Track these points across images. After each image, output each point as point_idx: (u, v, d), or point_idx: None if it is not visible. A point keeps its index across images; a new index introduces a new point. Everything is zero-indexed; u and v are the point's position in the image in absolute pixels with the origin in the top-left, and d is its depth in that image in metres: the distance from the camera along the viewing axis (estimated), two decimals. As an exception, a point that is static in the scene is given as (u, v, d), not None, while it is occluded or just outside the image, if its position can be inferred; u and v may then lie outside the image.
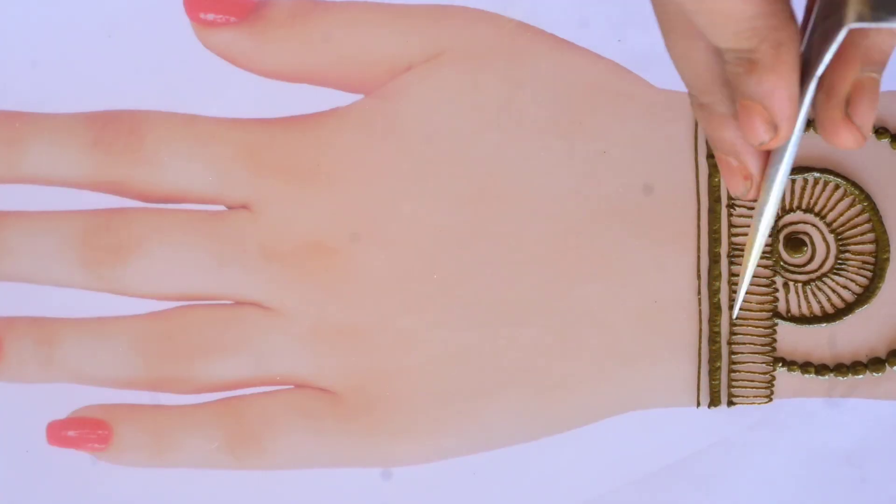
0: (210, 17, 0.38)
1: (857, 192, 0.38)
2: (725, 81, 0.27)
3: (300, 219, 0.38)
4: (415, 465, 0.38)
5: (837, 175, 0.38)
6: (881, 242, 0.38)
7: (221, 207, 0.39)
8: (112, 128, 0.38)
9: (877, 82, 0.26)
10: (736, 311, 0.34)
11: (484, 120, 0.38)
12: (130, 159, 0.38)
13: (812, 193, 0.38)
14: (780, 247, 0.38)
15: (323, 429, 0.38)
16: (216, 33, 0.38)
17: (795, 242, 0.38)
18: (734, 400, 0.38)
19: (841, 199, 0.38)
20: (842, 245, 0.38)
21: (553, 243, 0.38)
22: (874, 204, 0.38)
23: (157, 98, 0.39)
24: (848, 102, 0.26)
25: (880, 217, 0.38)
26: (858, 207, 0.38)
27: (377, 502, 0.38)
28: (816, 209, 0.38)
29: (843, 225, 0.38)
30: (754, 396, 0.38)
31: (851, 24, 0.24)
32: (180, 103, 0.39)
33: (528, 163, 0.38)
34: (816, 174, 0.38)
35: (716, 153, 0.29)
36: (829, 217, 0.38)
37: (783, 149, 0.27)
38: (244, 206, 0.38)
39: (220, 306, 0.38)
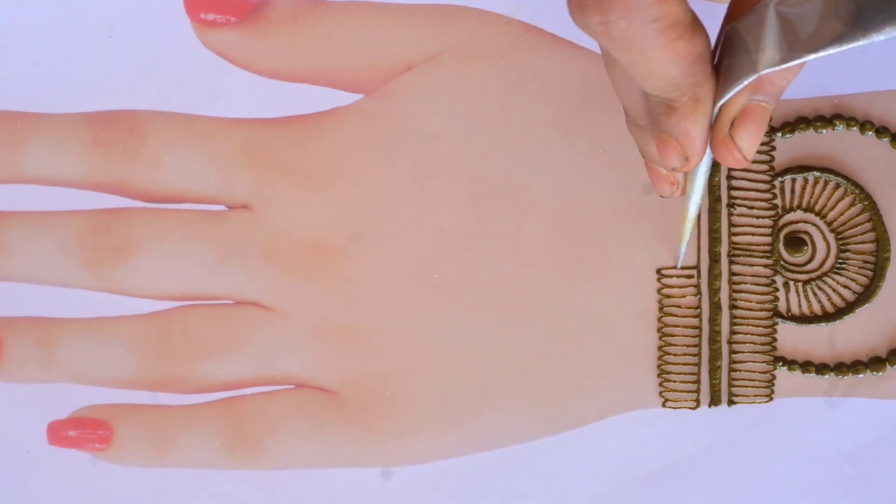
0: (210, 17, 0.38)
1: (857, 192, 0.38)
2: None
3: (300, 219, 0.38)
4: (415, 465, 0.38)
5: (837, 174, 0.38)
6: (882, 242, 0.38)
7: (222, 207, 0.39)
8: (112, 128, 0.38)
9: (766, 111, 0.28)
10: (680, 262, 0.38)
11: (484, 120, 0.38)
12: (131, 159, 0.38)
13: (812, 193, 0.38)
14: (781, 246, 0.38)
15: (323, 429, 0.38)
16: (216, 33, 0.38)
17: (796, 242, 0.38)
18: (734, 399, 0.38)
19: (841, 199, 0.38)
20: (842, 244, 0.38)
21: (553, 243, 0.38)
22: (874, 203, 0.38)
23: (157, 98, 0.39)
24: (733, 124, 0.28)
25: (881, 216, 0.38)
26: (859, 207, 0.38)
27: (377, 502, 0.38)
28: (817, 208, 0.38)
29: (843, 224, 0.38)
30: (754, 396, 0.38)
31: (763, 71, 0.26)
32: (180, 103, 0.39)
33: (528, 163, 0.38)
34: (816, 173, 0.38)
35: (646, 164, 0.32)
36: (830, 216, 0.38)
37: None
38: (245, 206, 0.38)
39: (220, 306, 0.38)
